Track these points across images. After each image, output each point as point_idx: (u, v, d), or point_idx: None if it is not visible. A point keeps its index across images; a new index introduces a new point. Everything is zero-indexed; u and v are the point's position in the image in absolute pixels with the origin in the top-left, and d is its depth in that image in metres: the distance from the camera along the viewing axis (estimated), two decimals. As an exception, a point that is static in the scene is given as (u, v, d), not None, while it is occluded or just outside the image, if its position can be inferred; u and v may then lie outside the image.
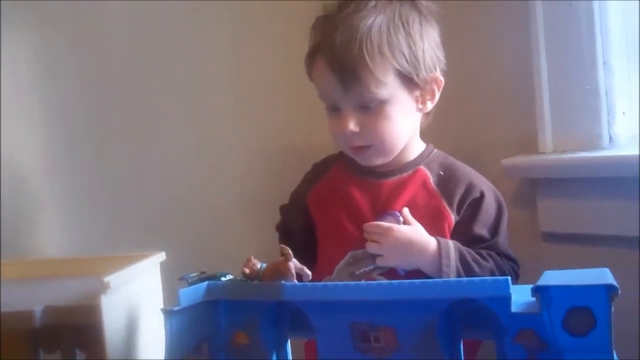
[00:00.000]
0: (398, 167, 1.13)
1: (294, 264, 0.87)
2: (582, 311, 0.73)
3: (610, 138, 1.22)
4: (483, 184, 1.12)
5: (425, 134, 1.18)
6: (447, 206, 1.08)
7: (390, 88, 1.06)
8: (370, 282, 0.91)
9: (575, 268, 0.79)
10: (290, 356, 0.91)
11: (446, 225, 1.08)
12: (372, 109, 1.06)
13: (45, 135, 1.24)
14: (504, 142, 1.34)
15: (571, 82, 1.23)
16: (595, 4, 1.20)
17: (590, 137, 1.22)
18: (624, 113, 1.22)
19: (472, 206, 1.09)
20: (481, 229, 1.08)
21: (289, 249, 0.87)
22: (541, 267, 0.81)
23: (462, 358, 0.83)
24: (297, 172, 1.24)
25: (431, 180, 1.11)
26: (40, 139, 1.24)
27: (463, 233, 1.08)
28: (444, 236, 1.07)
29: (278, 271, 0.87)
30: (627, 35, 1.22)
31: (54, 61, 1.25)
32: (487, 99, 1.38)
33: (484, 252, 1.06)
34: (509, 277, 0.76)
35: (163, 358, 0.85)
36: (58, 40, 1.26)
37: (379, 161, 1.12)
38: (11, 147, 1.19)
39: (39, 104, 1.23)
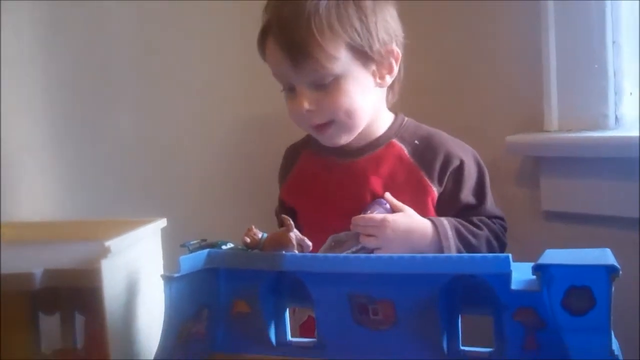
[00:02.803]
0: (369, 142, 1.11)
1: (295, 234, 0.86)
2: (582, 291, 0.73)
3: (617, 118, 1.21)
4: (460, 150, 1.09)
5: (430, 110, 1.17)
6: (427, 179, 1.07)
7: (343, 62, 1.02)
8: (370, 255, 0.91)
9: (576, 247, 0.78)
10: (288, 325, 0.91)
11: (429, 199, 1.07)
12: (327, 86, 1.03)
13: (46, 98, 1.24)
14: (509, 119, 1.33)
15: (579, 62, 1.22)
16: (606, -17, 1.19)
17: (596, 117, 1.22)
18: (631, 94, 1.21)
19: (453, 175, 1.07)
20: (468, 196, 1.08)
21: (290, 219, 0.87)
22: (542, 245, 0.81)
23: (460, 334, 0.83)
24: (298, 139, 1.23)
25: (406, 151, 1.09)
26: (42, 102, 1.24)
27: (450, 203, 1.07)
28: (427, 210, 1.06)
29: (279, 241, 0.87)
30: (637, 15, 1.21)
31: (55, 17, 1.25)
32: (494, 76, 1.37)
33: (475, 219, 1.06)
34: (510, 255, 0.76)
35: (162, 323, 0.86)
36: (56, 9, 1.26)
37: (342, 139, 1.08)
38: (11, 108, 1.19)
39: (40, 68, 1.23)
